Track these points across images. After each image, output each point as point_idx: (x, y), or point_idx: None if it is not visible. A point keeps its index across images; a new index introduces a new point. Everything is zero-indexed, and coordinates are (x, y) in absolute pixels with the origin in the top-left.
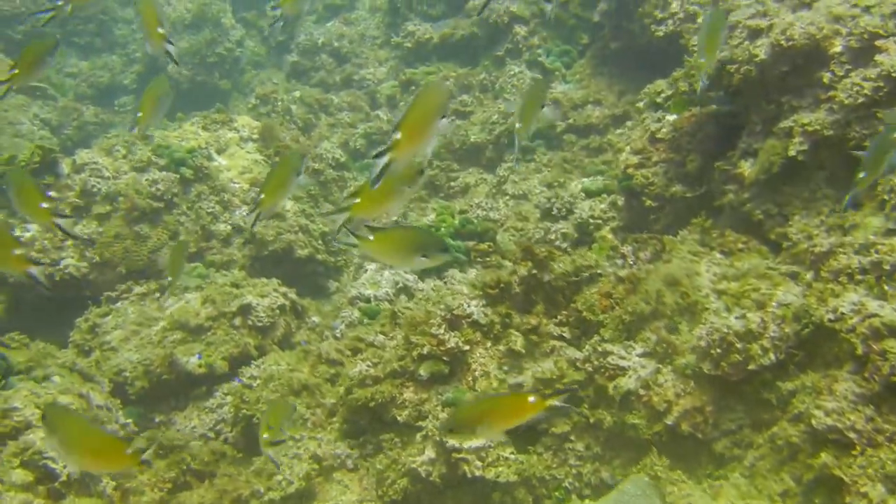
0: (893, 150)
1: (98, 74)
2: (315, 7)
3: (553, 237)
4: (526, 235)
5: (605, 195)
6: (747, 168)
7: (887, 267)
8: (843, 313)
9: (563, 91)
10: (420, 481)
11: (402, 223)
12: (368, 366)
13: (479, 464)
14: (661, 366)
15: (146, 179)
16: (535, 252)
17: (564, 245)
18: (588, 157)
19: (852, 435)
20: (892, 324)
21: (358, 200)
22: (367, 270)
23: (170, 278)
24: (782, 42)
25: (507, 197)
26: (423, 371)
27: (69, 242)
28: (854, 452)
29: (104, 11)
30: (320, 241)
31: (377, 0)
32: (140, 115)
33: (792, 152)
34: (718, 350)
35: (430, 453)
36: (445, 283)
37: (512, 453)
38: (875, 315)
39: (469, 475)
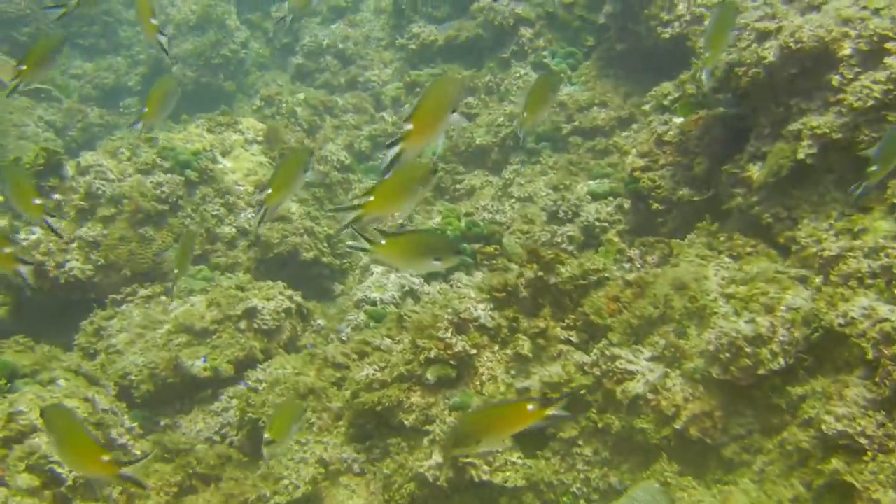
0: None
1: (103, 76)
2: (320, 9)
3: (559, 240)
4: (532, 238)
5: (611, 198)
6: (755, 171)
7: None
8: (853, 318)
9: (569, 93)
10: (427, 486)
11: (407, 226)
12: (375, 370)
13: (486, 468)
14: (669, 370)
15: (151, 182)
16: (541, 255)
17: (571, 248)
18: (594, 160)
19: (863, 440)
20: None
21: (372, 198)
22: (372, 273)
23: (176, 270)
24: (791, 44)
25: (513, 199)
26: (430, 375)
27: (74, 245)
28: (865, 458)
29: (109, 13)
30: (326, 244)
31: (382, 2)
32: (146, 110)
33: (801, 155)
34: (727, 354)
35: (437, 458)
36: (452, 286)
37: (520, 458)
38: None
39: (476, 480)
